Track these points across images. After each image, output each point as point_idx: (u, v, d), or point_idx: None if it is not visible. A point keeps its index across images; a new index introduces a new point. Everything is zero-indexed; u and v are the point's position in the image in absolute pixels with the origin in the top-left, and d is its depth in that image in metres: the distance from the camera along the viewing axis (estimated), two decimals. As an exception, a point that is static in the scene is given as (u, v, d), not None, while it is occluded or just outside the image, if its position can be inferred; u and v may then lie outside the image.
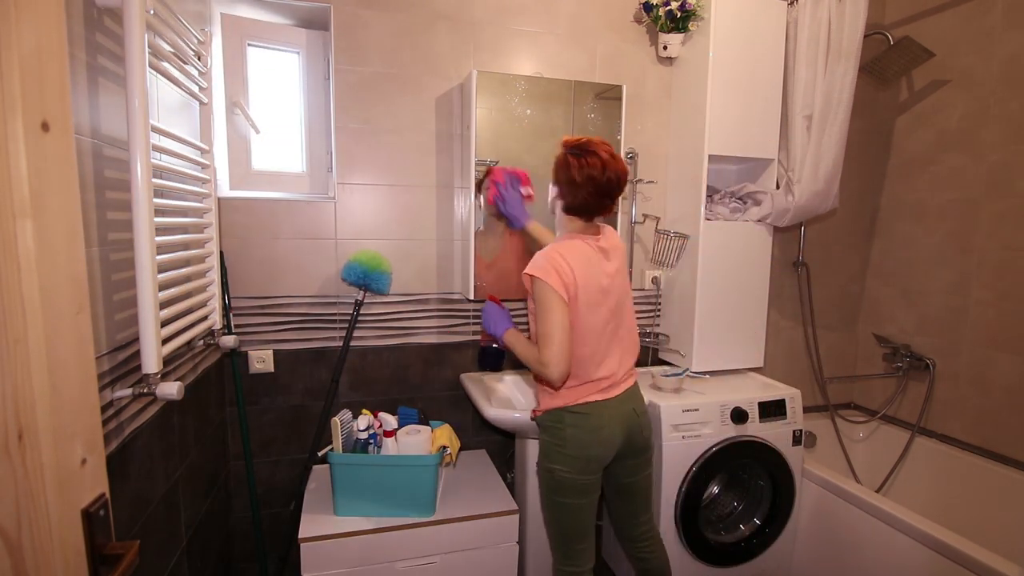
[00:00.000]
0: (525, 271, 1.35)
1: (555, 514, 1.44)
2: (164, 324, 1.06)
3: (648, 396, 1.82)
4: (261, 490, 1.86)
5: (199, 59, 1.38)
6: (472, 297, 1.86)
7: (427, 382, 2.00)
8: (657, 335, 2.19)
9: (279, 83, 1.89)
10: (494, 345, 1.73)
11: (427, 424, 1.70)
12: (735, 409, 1.84)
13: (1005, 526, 1.87)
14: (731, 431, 1.84)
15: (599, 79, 2.03)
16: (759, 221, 2.06)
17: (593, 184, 1.32)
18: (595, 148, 1.34)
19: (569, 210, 1.40)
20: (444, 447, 1.62)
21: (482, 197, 1.77)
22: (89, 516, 0.59)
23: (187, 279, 1.27)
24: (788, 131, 2.05)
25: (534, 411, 1.50)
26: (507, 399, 1.92)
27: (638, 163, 2.09)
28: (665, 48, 2.04)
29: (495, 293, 1.69)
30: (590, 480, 1.40)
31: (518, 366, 2.04)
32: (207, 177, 1.39)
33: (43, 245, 0.53)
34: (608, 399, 1.40)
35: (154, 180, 0.98)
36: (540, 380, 1.44)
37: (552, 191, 1.44)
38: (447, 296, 1.98)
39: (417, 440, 1.60)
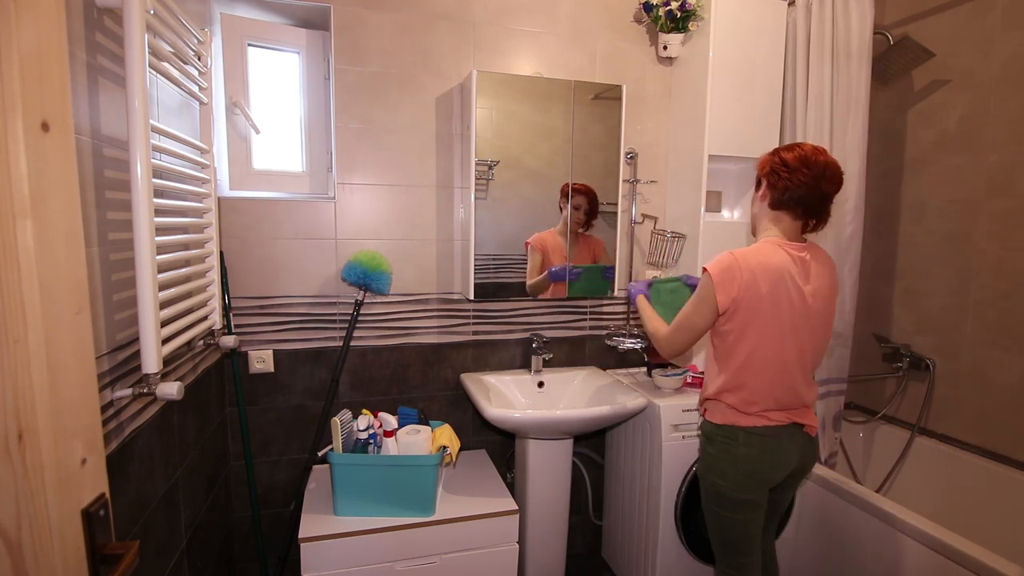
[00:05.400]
0: (706, 265, 1.29)
1: (717, 524, 1.41)
2: (164, 324, 1.06)
3: (648, 396, 1.82)
4: (261, 490, 1.86)
5: (199, 59, 1.38)
6: (472, 297, 1.86)
7: (427, 382, 2.00)
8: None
9: (279, 83, 1.88)
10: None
11: (427, 424, 1.70)
12: (735, 409, 1.83)
13: (1005, 526, 1.87)
14: (731, 431, 1.84)
15: (599, 79, 2.03)
16: None
17: (808, 166, 1.23)
18: (801, 143, 1.30)
19: (779, 204, 1.28)
20: (444, 447, 1.62)
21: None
22: (89, 516, 0.59)
23: (187, 279, 1.27)
24: (788, 131, 2.05)
25: (704, 410, 1.42)
26: (507, 399, 1.92)
27: (638, 163, 2.09)
28: (665, 48, 2.04)
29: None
30: (756, 498, 1.36)
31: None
32: (207, 177, 1.39)
33: (43, 245, 0.53)
34: (791, 424, 1.35)
35: (154, 180, 0.98)
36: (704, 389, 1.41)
37: (755, 195, 1.35)
38: (447, 296, 1.98)
39: (417, 440, 1.60)
